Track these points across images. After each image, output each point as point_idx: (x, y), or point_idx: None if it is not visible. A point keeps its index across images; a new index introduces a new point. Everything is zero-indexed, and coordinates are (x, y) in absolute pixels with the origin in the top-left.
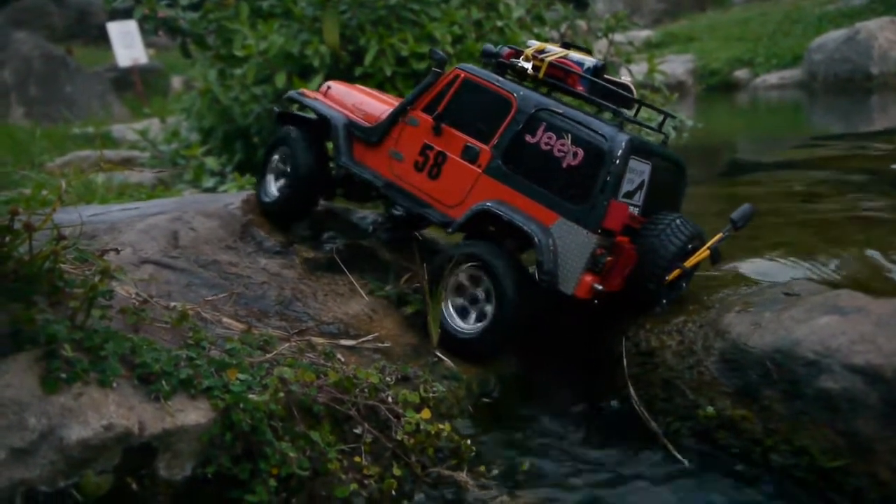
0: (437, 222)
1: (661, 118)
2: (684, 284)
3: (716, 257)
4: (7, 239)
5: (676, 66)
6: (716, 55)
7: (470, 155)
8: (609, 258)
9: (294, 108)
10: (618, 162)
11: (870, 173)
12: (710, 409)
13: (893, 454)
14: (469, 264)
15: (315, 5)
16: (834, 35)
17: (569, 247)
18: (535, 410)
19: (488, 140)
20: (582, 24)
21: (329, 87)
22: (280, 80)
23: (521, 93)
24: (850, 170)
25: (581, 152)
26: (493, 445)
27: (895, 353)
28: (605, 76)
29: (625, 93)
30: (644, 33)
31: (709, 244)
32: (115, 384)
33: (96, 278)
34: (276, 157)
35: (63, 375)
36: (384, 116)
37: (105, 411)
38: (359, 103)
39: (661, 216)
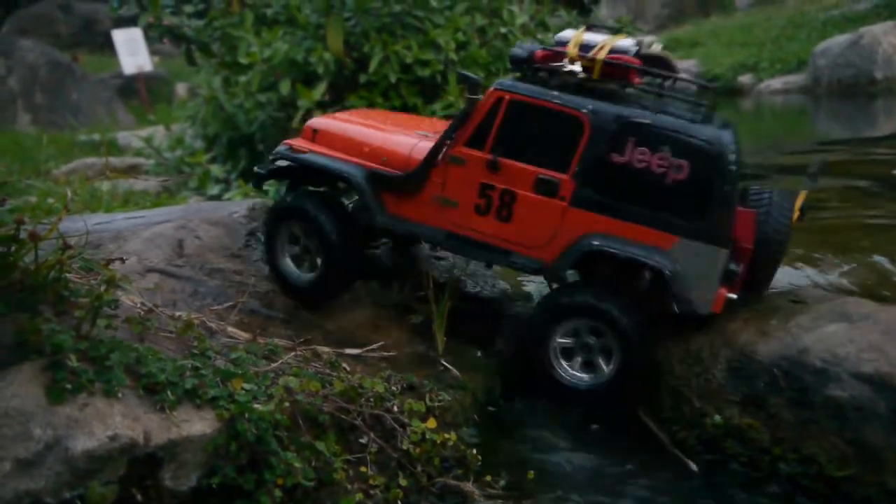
0: (525, 269)
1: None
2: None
3: (803, 215)
4: (12, 248)
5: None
6: (720, 60)
7: (547, 188)
8: (742, 267)
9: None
10: (731, 167)
11: (874, 179)
12: (717, 417)
13: None
14: None
15: (319, 13)
16: (838, 40)
17: (698, 268)
18: (541, 419)
19: (566, 168)
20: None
21: (315, 131)
22: (285, 87)
23: (591, 107)
24: (855, 175)
25: (686, 164)
26: (500, 454)
27: None
28: (644, 53)
29: (666, 71)
30: (648, 38)
31: (797, 204)
32: (120, 394)
33: (101, 288)
34: (284, 235)
35: (68, 386)
36: (414, 156)
37: (110, 422)
38: (367, 143)
39: (755, 195)
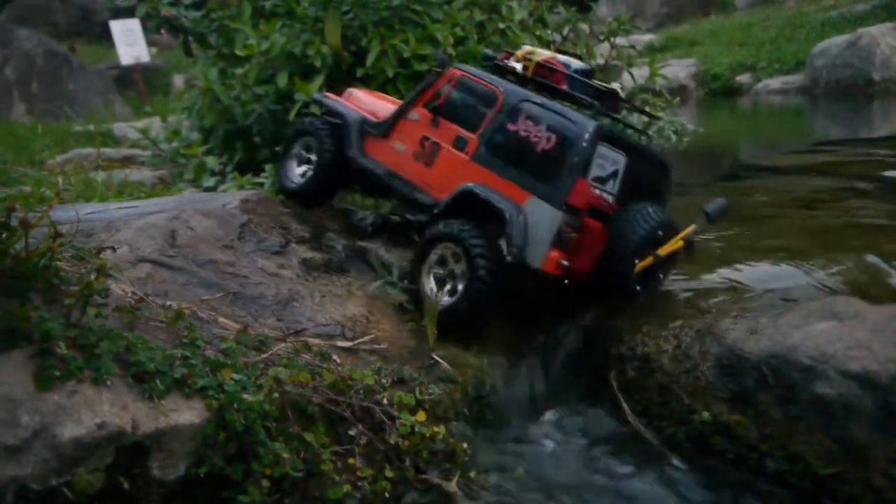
0: (422, 206)
1: (654, 122)
2: (661, 276)
3: (690, 249)
4: (3, 236)
5: (679, 70)
6: (718, 60)
7: (460, 144)
8: (574, 235)
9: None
10: (585, 145)
11: (870, 179)
12: (705, 414)
13: (888, 461)
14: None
15: (317, 6)
16: (836, 41)
17: (537, 222)
18: (530, 415)
19: (476, 130)
20: (584, 27)
21: (350, 94)
22: (282, 79)
23: (508, 87)
24: (850, 176)
25: (554, 137)
26: (487, 450)
27: (891, 360)
28: (593, 80)
29: (611, 96)
30: (647, 37)
31: (682, 234)
32: (109, 382)
33: (92, 276)
34: (298, 145)
35: (57, 373)
36: (390, 113)
37: (98, 410)
38: (373, 105)
39: (633, 205)
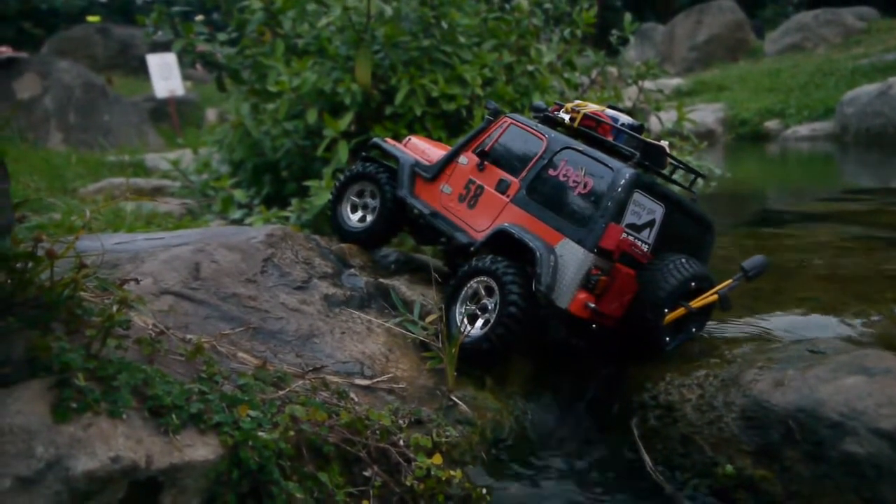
0: (460, 244)
1: (692, 177)
2: (694, 329)
3: (725, 304)
4: (29, 265)
5: (706, 114)
6: (746, 105)
7: (502, 187)
8: (603, 278)
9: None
10: (620, 190)
11: None
12: (729, 467)
13: None
14: None
15: (349, 44)
16: (867, 89)
17: (567, 263)
18: (549, 460)
19: (518, 174)
20: (612, 70)
21: (409, 140)
22: (311, 116)
23: (553, 135)
24: (880, 225)
25: (590, 181)
26: (505, 495)
27: None
28: (641, 135)
29: (658, 152)
30: (674, 81)
31: (717, 288)
32: (125, 416)
33: (114, 308)
34: (352, 189)
35: (74, 405)
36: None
37: (113, 443)
38: (427, 151)
39: (668, 255)
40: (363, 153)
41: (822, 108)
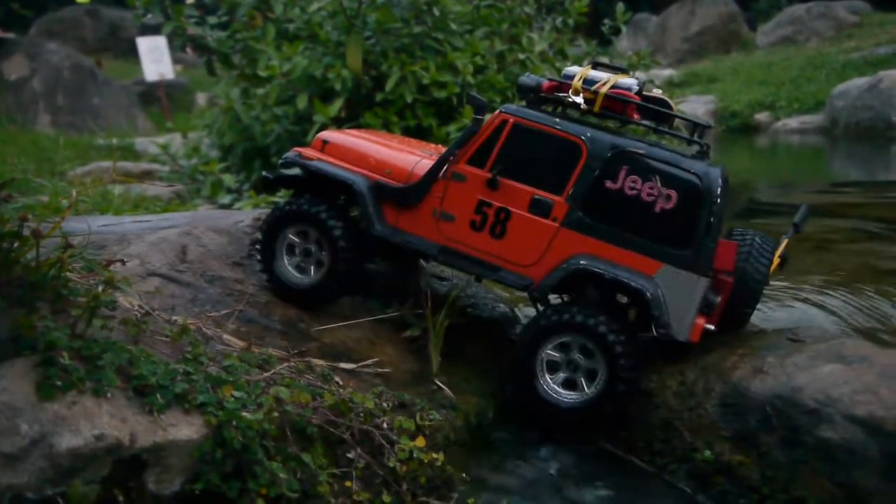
0: (514, 285)
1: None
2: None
3: (784, 263)
4: (15, 245)
5: (697, 106)
6: (737, 97)
7: (541, 209)
8: (721, 298)
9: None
10: (718, 200)
11: (885, 221)
12: (707, 452)
13: None
14: None
15: (340, 30)
16: (857, 82)
17: (678, 294)
18: (531, 444)
19: (560, 191)
20: (604, 60)
21: (326, 141)
22: (301, 101)
23: (589, 134)
24: (866, 218)
25: (675, 194)
26: (487, 478)
27: None
28: (645, 93)
29: (665, 109)
30: (666, 72)
31: (779, 252)
32: (109, 394)
33: (100, 288)
34: (288, 233)
35: (59, 383)
36: (416, 171)
37: (97, 421)
38: (373, 156)
39: (739, 236)
40: (268, 179)
41: (813, 101)
